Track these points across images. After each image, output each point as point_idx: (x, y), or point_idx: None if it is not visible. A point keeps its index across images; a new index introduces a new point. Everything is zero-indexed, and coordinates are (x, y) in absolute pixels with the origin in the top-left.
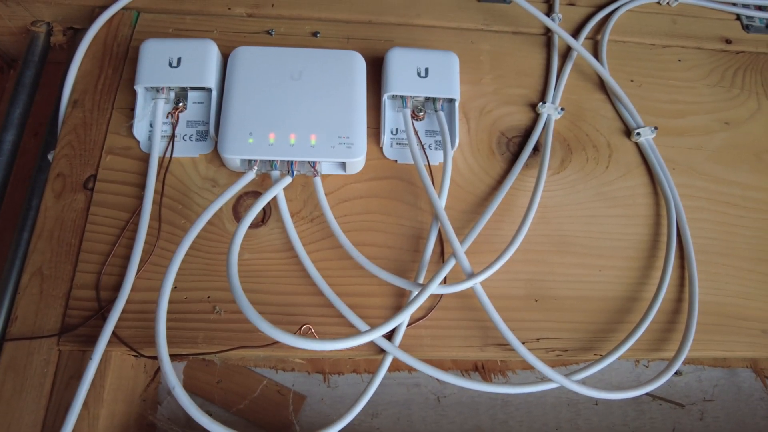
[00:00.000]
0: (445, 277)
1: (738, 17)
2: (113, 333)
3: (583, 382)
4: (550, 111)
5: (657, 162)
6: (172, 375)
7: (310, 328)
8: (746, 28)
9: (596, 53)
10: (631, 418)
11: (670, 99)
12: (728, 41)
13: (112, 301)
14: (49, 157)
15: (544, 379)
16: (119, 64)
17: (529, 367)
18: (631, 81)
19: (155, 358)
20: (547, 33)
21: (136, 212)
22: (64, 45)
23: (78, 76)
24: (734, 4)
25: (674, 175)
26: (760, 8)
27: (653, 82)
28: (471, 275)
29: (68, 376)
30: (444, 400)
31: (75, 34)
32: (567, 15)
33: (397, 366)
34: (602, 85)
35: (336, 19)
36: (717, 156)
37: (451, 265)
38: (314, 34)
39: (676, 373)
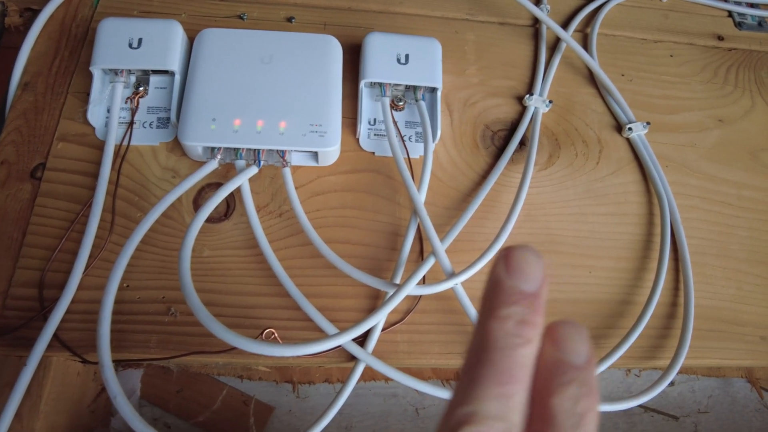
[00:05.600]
0: (424, 278)
1: (730, 14)
2: (55, 336)
3: None
4: (537, 103)
5: (649, 158)
6: (113, 381)
7: (273, 333)
8: (738, 25)
9: (586, 46)
10: (622, 431)
11: (663, 94)
12: (720, 38)
13: (55, 301)
14: None
15: None
16: (77, 46)
17: None
18: (622, 75)
19: None
20: (535, 24)
21: (88, 204)
22: (20, 27)
23: (31, 57)
24: (726, 0)
25: (667, 173)
26: (752, 5)
27: (645, 77)
28: (451, 275)
29: (1, 385)
30: (423, 412)
31: (33, 16)
32: (555, 7)
33: (372, 375)
34: (592, 79)
35: (313, 4)
36: (711, 154)
37: (430, 264)
38: (289, 20)
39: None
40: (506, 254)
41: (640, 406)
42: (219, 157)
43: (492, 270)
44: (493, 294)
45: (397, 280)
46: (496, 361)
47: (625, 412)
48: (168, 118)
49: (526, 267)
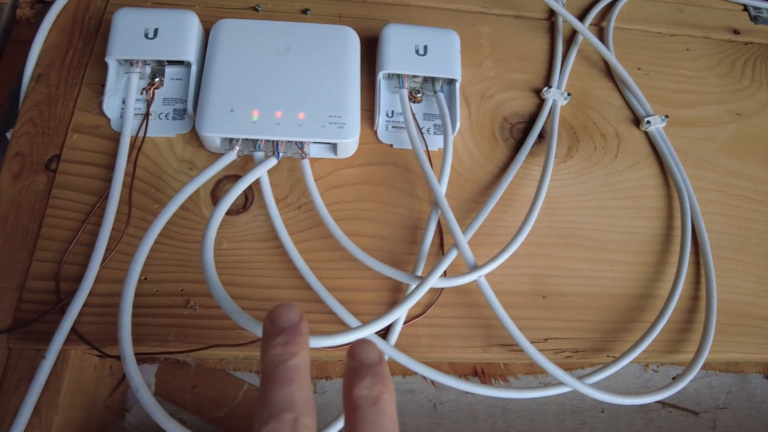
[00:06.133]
0: (445, 271)
1: (745, 8)
2: (72, 329)
3: (597, 386)
4: (555, 96)
5: (668, 152)
6: (136, 374)
7: None
8: (754, 19)
9: (602, 39)
10: (639, 427)
11: (679, 88)
12: (736, 32)
13: (72, 294)
14: (8, 135)
15: (550, 383)
16: (90, 38)
17: (532, 372)
18: (639, 69)
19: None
20: (551, 18)
21: (104, 196)
22: (31, 20)
23: (44, 49)
24: None
25: (685, 167)
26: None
27: (661, 71)
28: (474, 267)
29: (18, 378)
30: (440, 408)
31: (44, 8)
32: (570, 1)
33: (390, 369)
34: (609, 73)
35: None
36: (728, 148)
37: (452, 256)
38: (304, 11)
39: None
40: (269, 313)
41: (658, 401)
42: (237, 148)
43: (263, 327)
44: (265, 338)
45: (419, 273)
46: (274, 375)
47: (641, 407)
48: (184, 110)
49: (283, 313)
